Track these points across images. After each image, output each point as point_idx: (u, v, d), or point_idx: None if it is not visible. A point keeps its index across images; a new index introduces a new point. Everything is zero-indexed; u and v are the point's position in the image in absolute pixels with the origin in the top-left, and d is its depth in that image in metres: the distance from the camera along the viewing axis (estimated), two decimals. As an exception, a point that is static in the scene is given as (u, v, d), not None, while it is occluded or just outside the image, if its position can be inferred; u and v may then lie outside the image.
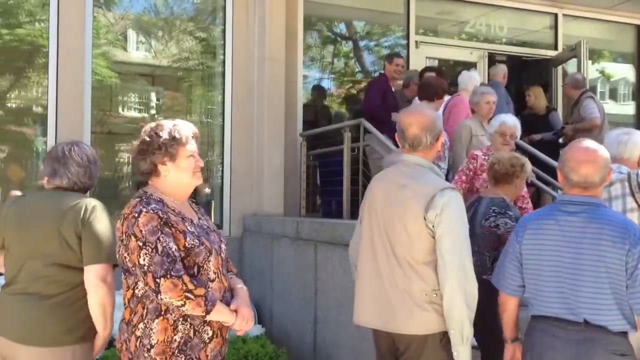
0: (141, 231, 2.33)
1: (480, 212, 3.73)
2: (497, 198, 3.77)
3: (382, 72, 6.80)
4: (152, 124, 2.56)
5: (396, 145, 3.24)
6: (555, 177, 5.90)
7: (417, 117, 2.79)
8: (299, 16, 7.36)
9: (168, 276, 2.28)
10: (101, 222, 2.74)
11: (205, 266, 2.45)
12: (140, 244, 2.32)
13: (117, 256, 2.49)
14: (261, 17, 6.92)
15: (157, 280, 2.29)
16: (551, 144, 7.23)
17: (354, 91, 8.41)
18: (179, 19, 7.37)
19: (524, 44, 8.72)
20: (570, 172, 2.63)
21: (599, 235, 2.52)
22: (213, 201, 7.10)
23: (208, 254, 2.46)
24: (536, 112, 7.46)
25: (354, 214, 5.64)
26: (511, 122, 4.70)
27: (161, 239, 2.33)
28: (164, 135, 2.48)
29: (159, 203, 2.43)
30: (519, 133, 4.78)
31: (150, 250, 2.31)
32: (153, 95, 7.58)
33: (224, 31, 7.09)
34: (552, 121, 7.41)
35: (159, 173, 2.51)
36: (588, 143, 2.67)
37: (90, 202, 2.79)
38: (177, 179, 2.52)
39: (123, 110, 7.31)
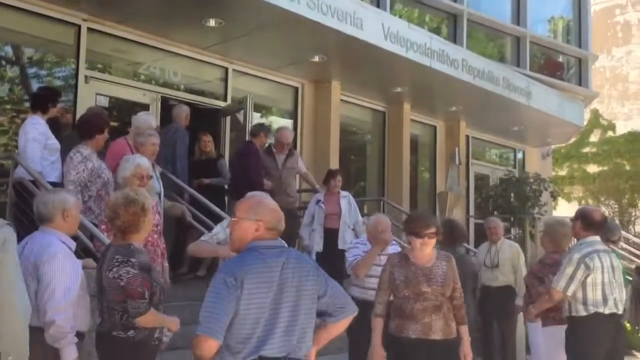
0: None
1: (105, 262, 3.39)
2: (122, 245, 3.42)
3: (251, 140, 7.39)
4: None
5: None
6: (213, 219, 6.18)
7: None
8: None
9: None
10: None
11: None
12: None
13: None
14: None
15: None
16: (218, 188, 7.62)
17: (18, 121, 7.59)
18: None
19: (197, 92, 9.03)
20: None
21: None
22: None
23: None
24: (207, 157, 7.79)
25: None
26: (145, 163, 4.73)
27: None
28: None
29: None
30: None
31: None
32: None
33: None
34: (220, 167, 7.82)
35: None
36: None
37: None
38: None
39: None
